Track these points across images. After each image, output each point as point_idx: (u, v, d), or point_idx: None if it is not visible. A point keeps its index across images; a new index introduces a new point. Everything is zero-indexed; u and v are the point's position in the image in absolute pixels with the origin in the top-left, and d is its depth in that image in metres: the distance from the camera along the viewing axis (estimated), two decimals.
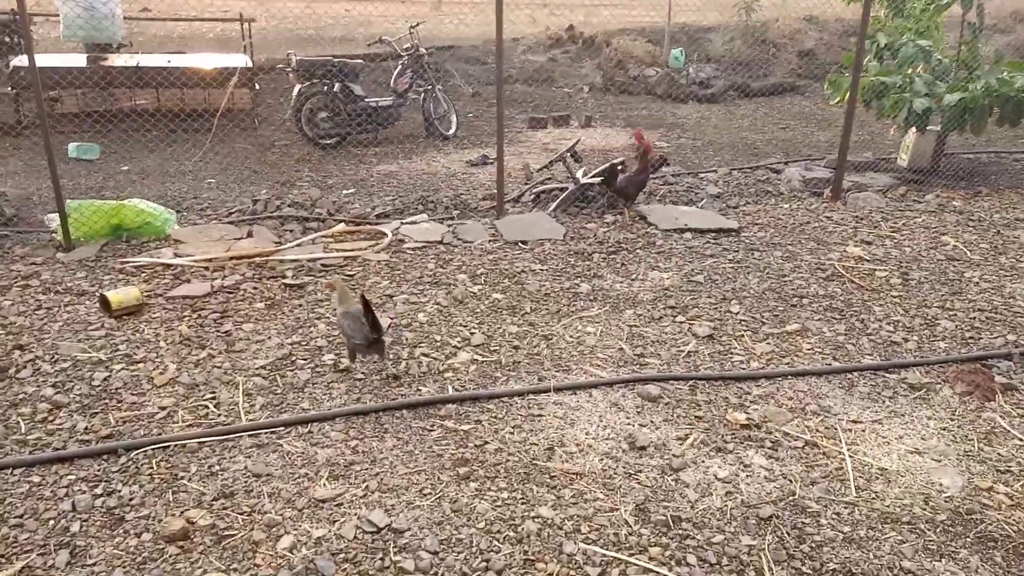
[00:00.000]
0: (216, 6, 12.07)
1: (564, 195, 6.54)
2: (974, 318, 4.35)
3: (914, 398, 3.52)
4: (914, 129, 7.25)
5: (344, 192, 7.36)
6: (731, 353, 3.91)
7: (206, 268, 4.93)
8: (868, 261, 5.21)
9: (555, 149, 9.65)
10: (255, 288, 4.64)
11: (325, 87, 9.03)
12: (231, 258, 5.07)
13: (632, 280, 4.86)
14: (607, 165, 6.41)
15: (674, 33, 15.10)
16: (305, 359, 3.82)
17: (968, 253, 5.38)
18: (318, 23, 15.41)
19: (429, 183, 7.79)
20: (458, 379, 3.65)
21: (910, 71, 7.52)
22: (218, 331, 4.09)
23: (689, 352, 3.91)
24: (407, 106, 9.92)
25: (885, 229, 5.91)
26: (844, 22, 17.24)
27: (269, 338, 4.03)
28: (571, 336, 4.09)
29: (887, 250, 5.43)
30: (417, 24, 9.54)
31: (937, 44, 7.89)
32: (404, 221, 6.00)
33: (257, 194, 6.82)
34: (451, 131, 9.95)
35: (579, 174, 6.81)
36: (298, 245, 5.39)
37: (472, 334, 4.09)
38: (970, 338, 4.11)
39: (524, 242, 5.56)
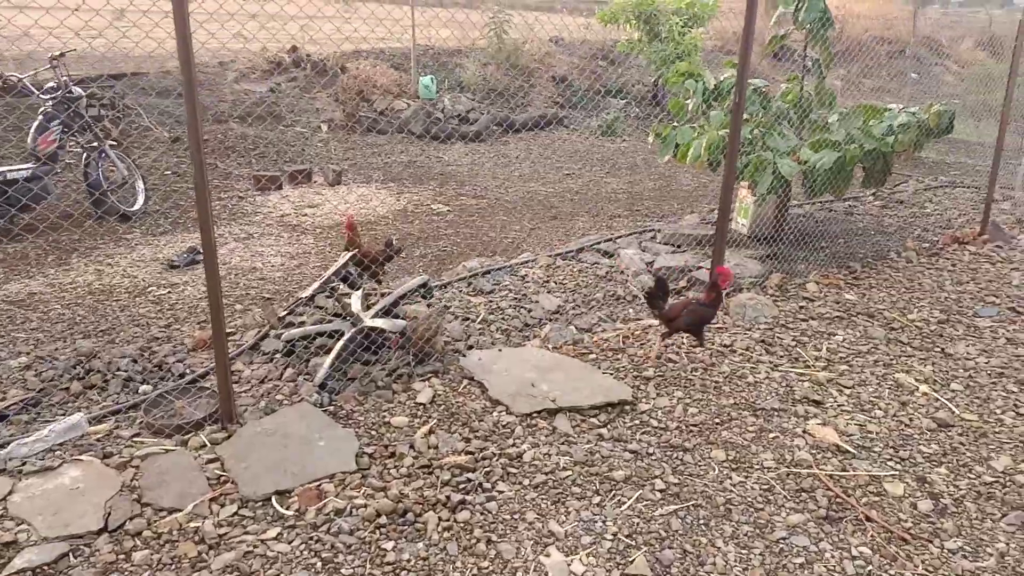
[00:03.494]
0: None
1: (339, 347, 3.93)
2: None
3: None
4: (748, 189, 5.74)
5: None
6: None
7: None
8: (853, 455, 3.32)
9: (298, 224, 6.89)
10: None
11: None
12: None
13: None
14: (649, 280, 4.05)
15: (419, 56, 12.89)
16: None
17: (954, 409, 3.73)
18: None
19: (99, 315, 4.71)
20: None
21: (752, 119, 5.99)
22: None
23: None
24: (58, 174, 6.53)
25: (813, 362, 4.14)
26: (590, 44, 16.29)
27: None
28: None
29: (855, 421, 3.59)
30: (62, 53, 6.12)
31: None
32: (30, 468, 2.99)
33: None
34: (136, 206, 6.73)
35: (356, 303, 4.25)
36: None
37: None
38: None
39: (285, 493, 2.88)
